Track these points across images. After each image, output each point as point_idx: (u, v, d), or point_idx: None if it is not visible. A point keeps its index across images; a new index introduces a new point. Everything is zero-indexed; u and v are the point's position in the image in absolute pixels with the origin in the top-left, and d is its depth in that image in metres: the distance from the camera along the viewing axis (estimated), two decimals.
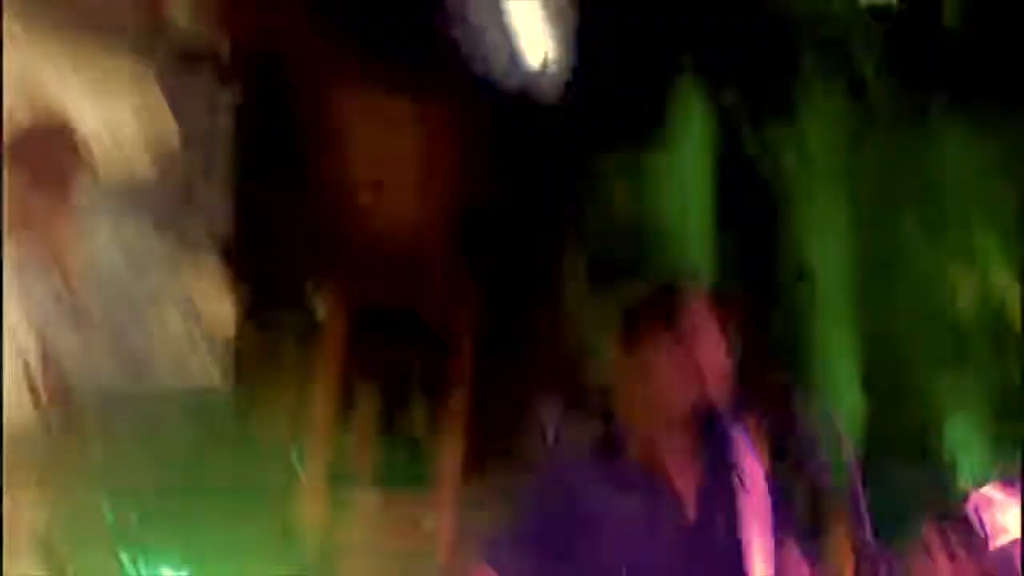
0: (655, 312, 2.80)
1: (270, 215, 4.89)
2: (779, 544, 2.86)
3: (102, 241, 4.47)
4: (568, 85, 5.53)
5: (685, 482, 2.80)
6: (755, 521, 2.81)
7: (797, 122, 5.59)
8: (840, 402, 5.43)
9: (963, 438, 5.27)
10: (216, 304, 4.76)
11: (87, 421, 4.16)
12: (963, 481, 5.16)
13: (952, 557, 2.63)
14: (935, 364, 5.42)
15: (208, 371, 4.72)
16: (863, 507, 2.45)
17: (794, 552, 2.94)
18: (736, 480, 2.83)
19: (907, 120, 5.58)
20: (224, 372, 4.77)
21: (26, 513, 3.87)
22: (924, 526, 4.53)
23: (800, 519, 3.12)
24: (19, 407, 3.89)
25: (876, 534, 2.44)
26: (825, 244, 5.59)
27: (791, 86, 5.56)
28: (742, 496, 2.83)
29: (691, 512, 2.78)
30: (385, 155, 5.13)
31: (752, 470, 2.86)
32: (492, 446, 5.25)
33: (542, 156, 5.35)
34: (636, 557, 2.72)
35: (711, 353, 2.75)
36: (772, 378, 5.52)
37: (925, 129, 5.56)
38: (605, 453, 2.84)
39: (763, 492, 2.84)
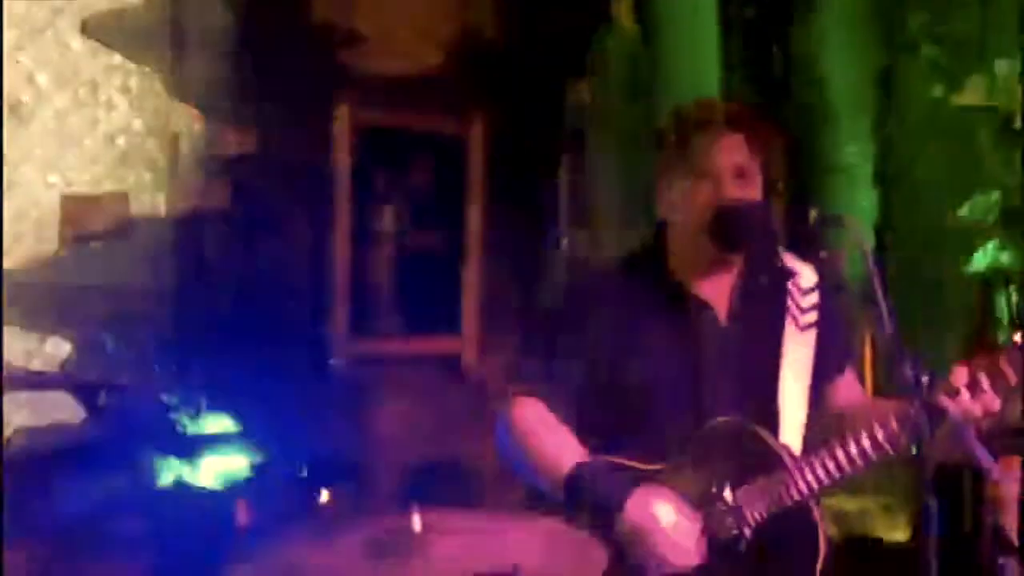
0: (706, 113, 2.81)
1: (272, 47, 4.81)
2: (830, 369, 2.92)
3: None
4: None
5: (719, 292, 2.83)
6: (800, 342, 2.86)
7: None
8: (856, 198, 5.48)
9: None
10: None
11: None
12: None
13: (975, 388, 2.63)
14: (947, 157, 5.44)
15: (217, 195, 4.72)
16: (883, 301, 2.47)
17: (849, 378, 3.00)
18: (780, 303, 2.88)
19: None
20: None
21: None
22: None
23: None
24: None
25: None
26: (838, 53, 5.55)
27: None
28: (786, 319, 2.87)
29: (723, 321, 2.82)
30: None
31: (804, 298, 2.90)
32: (512, 265, 5.30)
33: None
34: (664, 360, 2.77)
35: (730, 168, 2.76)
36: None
37: None
38: (640, 263, 2.89)
39: (813, 318, 2.88)
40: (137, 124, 4.79)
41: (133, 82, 4.77)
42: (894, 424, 2.60)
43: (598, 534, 2.55)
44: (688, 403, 2.76)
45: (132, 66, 4.77)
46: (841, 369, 2.98)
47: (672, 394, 2.76)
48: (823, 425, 2.86)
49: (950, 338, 5.07)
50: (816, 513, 2.71)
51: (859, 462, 2.66)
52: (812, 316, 2.88)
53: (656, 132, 2.93)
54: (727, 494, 2.69)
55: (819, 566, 2.68)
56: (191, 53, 4.63)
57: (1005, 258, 5.20)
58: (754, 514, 2.67)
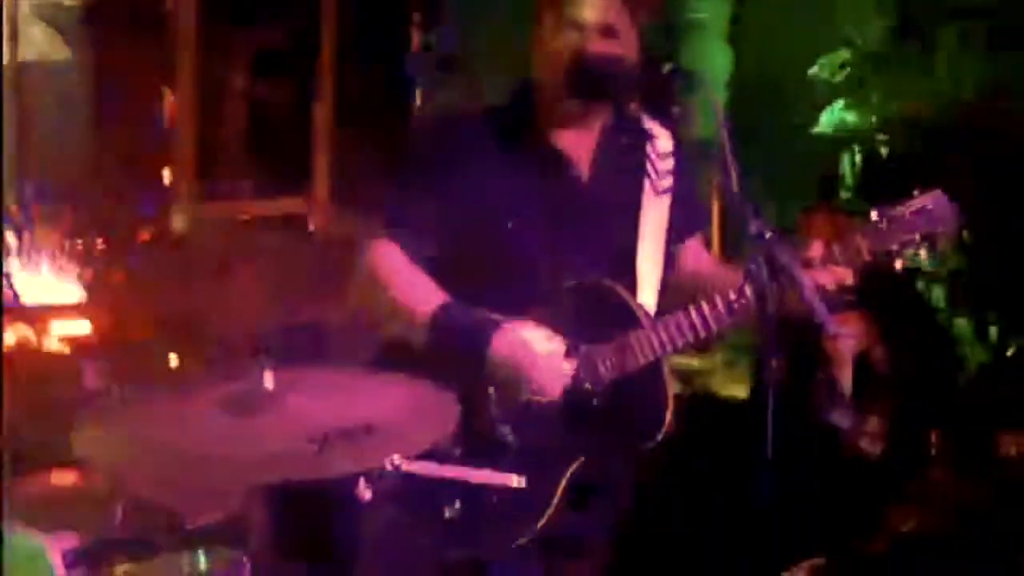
0: None
1: None
2: (682, 233, 2.96)
3: None
4: None
5: (582, 149, 2.84)
6: (656, 206, 2.89)
7: None
8: (710, 54, 5.50)
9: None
10: None
11: None
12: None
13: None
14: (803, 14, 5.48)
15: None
16: (731, 159, 2.50)
17: (699, 242, 3.06)
18: (640, 165, 2.89)
19: None
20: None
21: None
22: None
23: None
24: None
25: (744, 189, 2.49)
26: None
27: None
28: (645, 182, 2.89)
29: (585, 177, 2.83)
30: None
31: (662, 163, 2.92)
32: (366, 113, 5.22)
33: None
34: (524, 213, 2.77)
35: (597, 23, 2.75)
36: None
37: None
38: (505, 114, 2.86)
39: (670, 183, 2.91)
40: None
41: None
42: (745, 288, 2.66)
43: (457, 378, 2.54)
44: (548, 257, 2.78)
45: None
46: (692, 234, 3.03)
47: (532, 247, 2.78)
48: (676, 287, 2.91)
49: (795, 198, 5.16)
50: (665, 372, 2.77)
51: (712, 324, 2.73)
52: (668, 180, 2.91)
53: None
54: (583, 349, 2.73)
55: (665, 421, 2.74)
56: None
57: (851, 118, 5.29)
58: (608, 370, 2.73)
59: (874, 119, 5.24)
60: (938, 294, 4.98)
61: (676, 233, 2.93)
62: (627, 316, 2.77)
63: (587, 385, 2.73)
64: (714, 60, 5.54)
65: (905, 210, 2.73)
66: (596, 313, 2.76)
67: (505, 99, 2.92)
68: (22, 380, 3.89)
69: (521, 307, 2.73)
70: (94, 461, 2.40)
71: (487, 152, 2.80)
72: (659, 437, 2.75)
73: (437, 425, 2.28)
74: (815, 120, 5.38)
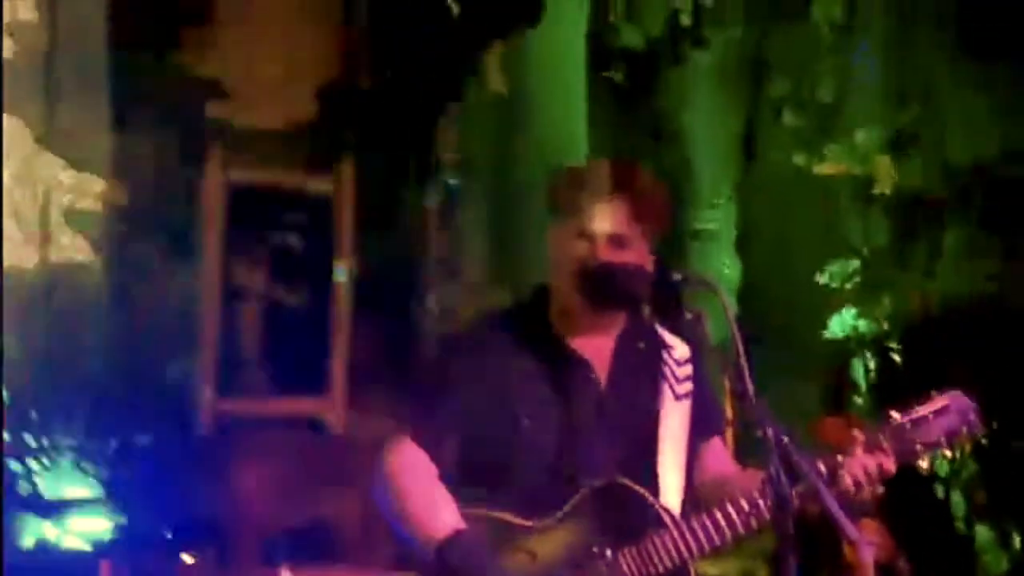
0: (591, 175, 2.84)
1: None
2: (702, 438, 2.95)
3: None
4: None
5: (599, 354, 2.85)
6: (676, 411, 2.90)
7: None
8: (717, 263, 5.58)
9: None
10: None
11: None
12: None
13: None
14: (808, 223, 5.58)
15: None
16: (744, 364, 2.53)
17: (719, 446, 3.03)
18: (658, 371, 2.93)
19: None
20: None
21: None
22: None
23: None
24: None
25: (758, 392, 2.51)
26: (702, 116, 5.67)
27: None
28: (663, 384, 2.92)
29: (603, 382, 2.84)
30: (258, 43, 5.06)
31: (679, 369, 2.96)
32: (381, 324, 5.30)
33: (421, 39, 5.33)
34: (541, 414, 2.77)
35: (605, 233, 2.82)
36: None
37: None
38: (521, 317, 2.89)
39: (688, 389, 2.91)
40: (5, 175, 4.69)
41: (3, 131, 4.67)
42: (768, 490, 2.64)
43: None
44: (565, 460, 2.77)
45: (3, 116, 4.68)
46: (712, 435, 3.04)
47: (550, 449, 2.77)
48: (700, 489, 2.90)
49: (807, 402, 5.16)
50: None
51: (738, 526, 2.71)
52: (687, 386, 2.92)
53: (548, 191, 2.94)
54: (608, 553, 2.71)
55: None
56: (63, 105, 4.56)
57: (862, 325, 5.33)
58: (637, 574, 2.70)
59: (886, 325, 5.29)
60: (958, 501, 4.94)
61: (696, 438, 2.94)
62: (650, 517, 2.74)
63: None
64: (722, 268, 5.62)
65: (926, 411, 2.73)
66: (618, 514, 2.73)
67: (522, 302, 2.96)
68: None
69: (541, 510, 2.71)
70: None
71: (505, 355, 2.82)
72: None
73: None
74: (825, 327, 5.42)
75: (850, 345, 5.37)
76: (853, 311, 5.39)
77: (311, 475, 4.91)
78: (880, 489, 2.70)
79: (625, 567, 2.70)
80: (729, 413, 5.07)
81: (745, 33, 5.76)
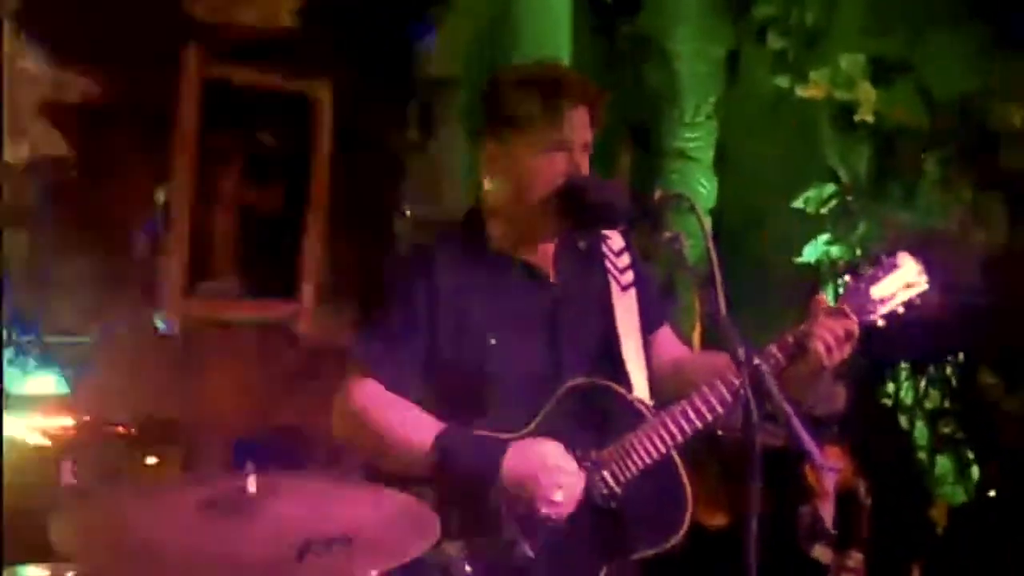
0: (528, 95, 2.74)
1: None
2: (653, 325, 2.98)
3: None
4: None
5: (545, 258, 2.84)
6: (625, 303, 2.90)
7: None
8: (695, 182, 5.57)
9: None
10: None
11: None
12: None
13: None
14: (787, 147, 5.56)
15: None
16: (719, 283, 2.52)
17: (669, 332, 3.07)
18: (601, 265, 2.92)
19: None
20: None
21: None
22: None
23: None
24: None
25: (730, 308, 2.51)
26: (687, 36, 5.62)
27: None
28: (608, 278, 2.91)
29: (555, 286, 2.83)
30: None
31: (619, 260, 2.95)
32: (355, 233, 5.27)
33: None
34: (503, 327, 2.76)
35: (581, 142, 2.78)
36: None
37: None
38: (463, 235, 2.85)
39: (630, 279, 2.93)
40: None
41: None
42: (741, 370, 2.63)
43: (463, 498, 2.55)
44: (536, 366, 2.77)
45: None
46: (661, 324, 3.04)
47: (518, 361, 2.76)
48: (658, 377, 2.91)
49: (778, 326, 5.19)
50: (680, 468, 2.75)
51: (716, 407, 2.72)
52: (629, 276, 2.93)
53: (492, 94, 2.83)
54: (594, 455, 2.71)
55: (685, 518, 2.72)
56: None
57: (835, 251, 5.34)
58: (624, 472, 2.71)
59: (858, 252, 5.29)
60: (921, 431, 4.99)
61: (646, 325, 2.94)
62: (629, 413, 2.76)
63: (604, 491, 2.70)
64: (699, 187, 5.60)
65: (877, 270, 2.82)
66: (598, 415, 2.75)
67: (458, 221, 2.90)
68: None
69: (520, 421, 2.71)
70: (70, 557, 2.36)
71: (456, 278, 2.77)
72: (681, 534, 2.72)
73: (418, 537, 2.26)
74: (798, 251, 5.43)
75: (822, 270, 5.39)
76: (826, 236, 5.40)
77: (279, 380, 4.92)
78: (847, 351, 2.75)
79: (615, 466, 2.70)
80: (699, 332, 5.11)
81: None
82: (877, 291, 2.82)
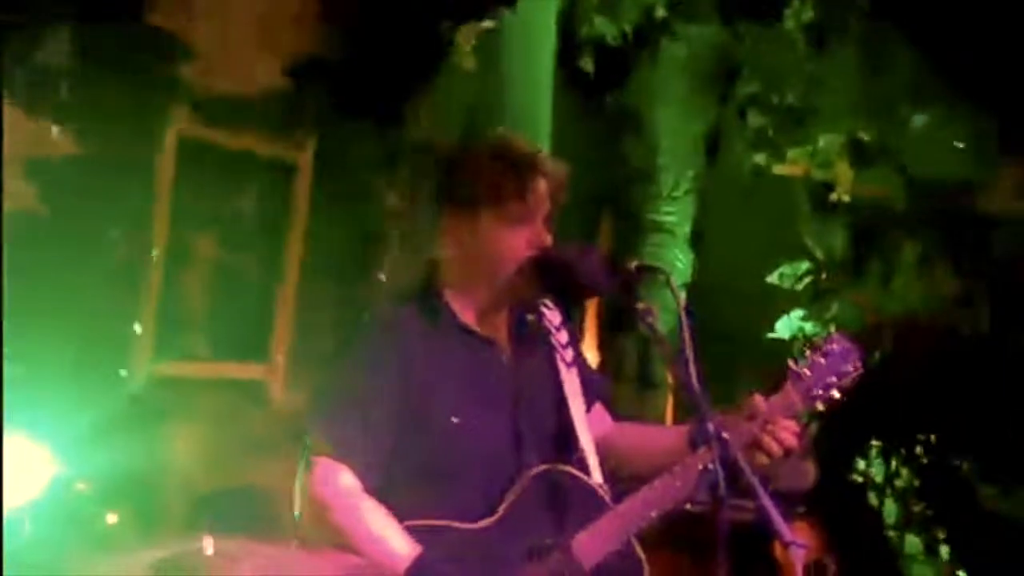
0: (495, 168, 2.72)
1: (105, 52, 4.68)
2: (593, 401, 2.96)
3: None
4: None
5: (499, 332, 2.81)
6: (571, 379, 2.88)
7: None
8: (671, 257, 5.59)
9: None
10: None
11: None
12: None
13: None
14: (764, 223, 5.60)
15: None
16: (691, 356, 2.52)
17: (602, 409, 3.04)
18: (547, 340, 2.90)
19: None
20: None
21: None
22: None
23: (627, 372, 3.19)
24: None
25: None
26: (669, 112, 5.67)
27: None
28: (555, 354, 2.89)
29: (510, 362, 2.80)
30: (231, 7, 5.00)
31: (560, 335, 2.92)
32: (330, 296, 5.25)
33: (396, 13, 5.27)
34: (469, 414, 2.70)
35: (544, 214, 2.77)
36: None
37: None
38: (429, 307, 2.79)
39: (572, 355, 2.92)
40: None
41: None
42: (702, 460, 2.62)
43: None
44: (497, 448, 2.72)
45: None
46: (596, 401, 3.01)
47: (481, 441, 2.71)
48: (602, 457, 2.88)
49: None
50: (635, 546, 2.72)
51: (677, 496, 2.68)
52: (571, 353, 2.92)
53: (455, 166, 2.82)
54: (562, 542, 2.67)
55: None
56: (20, 49, 4.46)
57: (808, 327, 5.36)
58: (591, 557, 2.66)
59: (832, 329, 5.31)
60: (890, 509, 4.97)
61: (588, 401, 2.92)
62: (591, 498, 2.72)
63: None
64: (675, 262, 5.63)
65: (816, 356, 2.80)
66: (561, 502, 2.69)
67: (415, 293, 2.84)
68: None
69: (483, 506, 2.65)
70: None
71: (423, 354, 2.71)
72: None
73: None
74: (771, 326, 5.45)
75: (795, 346, 5.40)
76: (800, 312, 5.42)
77: (246, 442, 4.87)
78: (793, 440, 2.75)
79: (584, 552, 2.67)
80: (671, 405, 5.09)
81: (718, 32, 5.76)
82: (817, 376, 2.80)
